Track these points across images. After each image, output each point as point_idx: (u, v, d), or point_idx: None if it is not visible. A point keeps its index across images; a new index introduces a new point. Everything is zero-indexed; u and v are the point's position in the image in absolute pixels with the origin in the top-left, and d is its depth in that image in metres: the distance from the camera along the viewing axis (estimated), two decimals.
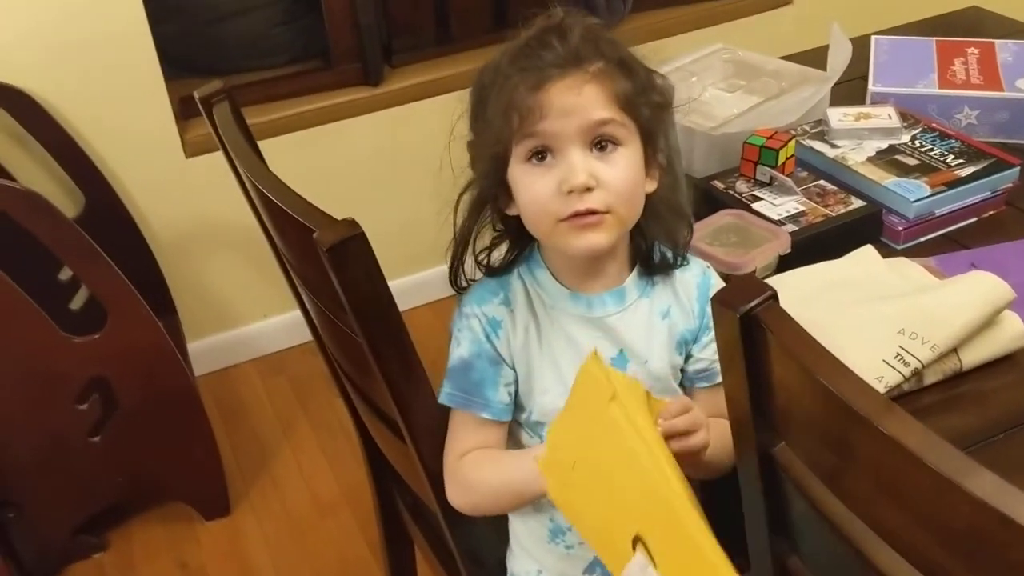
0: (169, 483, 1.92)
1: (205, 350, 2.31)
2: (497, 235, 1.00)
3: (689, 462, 0.87)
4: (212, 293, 2.30)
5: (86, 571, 1.88)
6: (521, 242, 0.99)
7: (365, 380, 1.11)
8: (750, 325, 0.71)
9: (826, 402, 0.67)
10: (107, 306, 1.68)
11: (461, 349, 0.99)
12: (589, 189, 0.88)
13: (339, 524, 1.94)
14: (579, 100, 0.88)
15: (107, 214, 2.03)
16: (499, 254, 1.00)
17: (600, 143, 0.89)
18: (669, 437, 0.86)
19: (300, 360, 2.35)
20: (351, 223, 0.87)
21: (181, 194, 2.14)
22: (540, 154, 0.90)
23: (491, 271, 1.00)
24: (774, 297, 0.72)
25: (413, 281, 2.33)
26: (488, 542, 1.17)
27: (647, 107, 0.92)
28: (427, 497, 1.12)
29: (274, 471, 2.08)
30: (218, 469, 1.94)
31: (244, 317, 2.36)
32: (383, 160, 2.30)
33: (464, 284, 1.01)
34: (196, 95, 1.12)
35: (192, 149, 2.11)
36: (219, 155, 1.17)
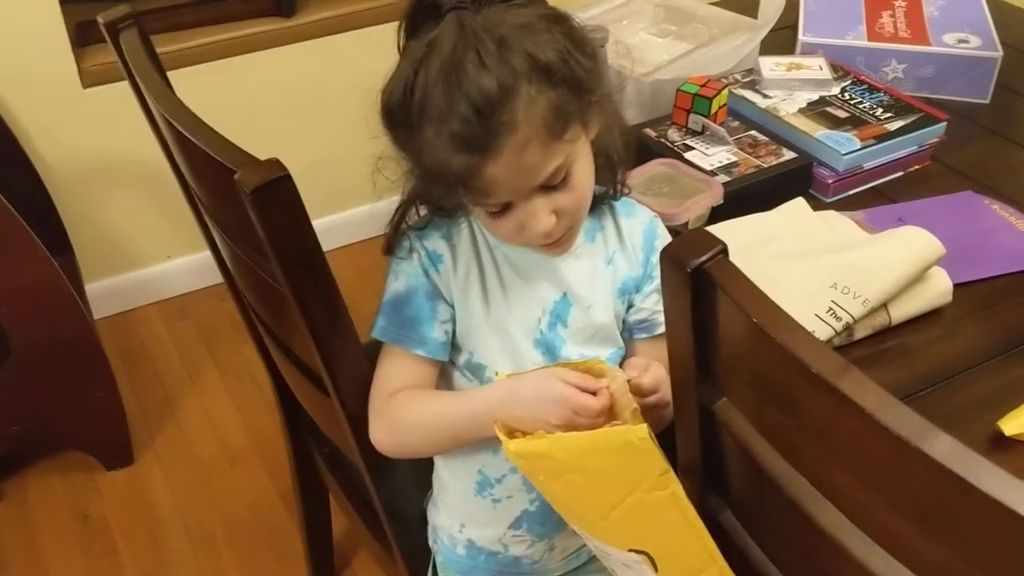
0: (68, 432, 1.84)
1: (104, 292, 2.20)
2: None
3: (652, 417, 0.86)
4: (112, 232, 2.19)
5: None
6: None
7: (285, 330, 1.06)
8: (700, 280, 0.69)
9: (777, 359, 0.65)
10: None
11: (398, 283, 0.95)
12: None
13: (248, 472, 1.89)
14: (522, 171, 0.82)
15: None
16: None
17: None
18: (635, 394, 0.85)
19: (206, 304, 2.26)
20: (276, 163, 0.82)
21: (78, 126, 2.02)
22: (495, 212, 0.87)
23: (438, 210, 0.95)
24: (724, 251, 0.70)
25: (327, 223, 2.26)
26: (409, 493, 1.15)
27: (581, 98, 0.84)
28: (349, 449, 1.08)
29: (180, 418, 2.01)
30: (120, 416, 1.86)
31: (146, 258, 2.26)
32: (295, 96, 2.21)
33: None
34: (100, 20, 1.04)
35: (90, 79, 1.98)
36: (120, 86, 1.09)
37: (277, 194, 0.81)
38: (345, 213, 2.31)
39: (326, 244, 2.44)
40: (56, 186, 2.03)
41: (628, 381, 0.86)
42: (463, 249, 0.95)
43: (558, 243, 0.91)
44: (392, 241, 0.95)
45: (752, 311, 0.66)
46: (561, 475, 0.85)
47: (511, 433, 0.85)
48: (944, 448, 0.54)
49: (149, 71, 1.00)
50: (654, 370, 0.88)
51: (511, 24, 0.80)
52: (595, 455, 0.82)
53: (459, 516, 1.06)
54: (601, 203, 0.97)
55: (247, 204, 0.81)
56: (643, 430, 0.78)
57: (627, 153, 0.96)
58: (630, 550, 0.86)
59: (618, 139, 0.93)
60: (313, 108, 2.20)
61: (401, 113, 0.82)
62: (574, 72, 0.82)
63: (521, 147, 0.80)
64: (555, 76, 0.81)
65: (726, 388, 0.75)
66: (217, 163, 0.85)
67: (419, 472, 1.10)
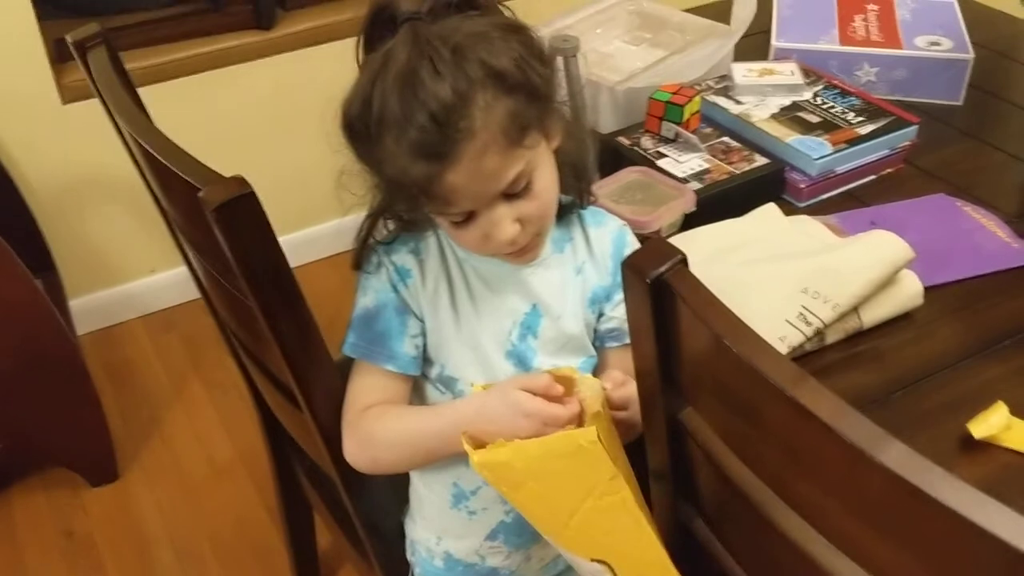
0: (52, 449, 1.83)
1: (88, 308, 2.20)
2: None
3: (620, 431, 0.87)
4: (94, 247, 2.19)
5: None
6: None
7: (258, 346, 1.06)
8: (660, 290, 0.69)
9: (736, 369, 0.65)
10: None
11: (367, 298, 0.95)
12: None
13: (235, 486, 1.89)
14: (481, 178, 0.82)
15: None
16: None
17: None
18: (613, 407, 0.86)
19: (190, 317, 2.26)
20: (240, 181, 0.81)
21: (58, 143, 2.02)
22: (459, 221, 0.87)
23: (405, 225, 0.95)
24: (684, 261, 0.70)
25: (308, 235, 2.27)
26: (386, 507, 1.15)
27: (539, 105, 0.84)
28: (324, 463, 1.08)
29: (165, 432, 2.01)
30: (104, 432, 1.86)
31: (129, 272, 2.26)
32: (274, 109, 2.21)
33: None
34: (69, 39, 1.04)
35: (69, 95, 1.98)
36: (99, 101, 1.09)
37: (241, 211, 0.81)
38: (332, 223, 2.31)
39: (312, 254, 2.43)
40: (38, 202, 2.03)
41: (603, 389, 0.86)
42: (431, 263, 0.95)
43: (524, 251, 0.91)
44: (360, 256, 0.95)
45: (711, 321, 0.66)
46: (522, 483, 0.85)
47: (479, 445, 0.85)
48: (897, 456, 0.55)
49: (117, 89, 1.01)
50: (628, 387, 0.87)
51: (466, 33, 0.80)
52: (550, 460, 0.82)
53: (436, 529, 1.06)
54: (569, 213, 0.97)
55: (211, 222, 0.81)
56: (592, 432, 0.78)
57: (593, 162, 0.96)
58: (592, 560, 0.86)
59: (583, 148, 0.94)
60: (292, 121, 2.19)
61: (360, 125, 0.82)
62: (530, 79, 0.82)
63: (480, 154, 0.80)
64: (511, 83, 0.81)
65: (691, 397, 0.76)
66: (183, 181, 0.85)
67: (396, 486, 1.10)
